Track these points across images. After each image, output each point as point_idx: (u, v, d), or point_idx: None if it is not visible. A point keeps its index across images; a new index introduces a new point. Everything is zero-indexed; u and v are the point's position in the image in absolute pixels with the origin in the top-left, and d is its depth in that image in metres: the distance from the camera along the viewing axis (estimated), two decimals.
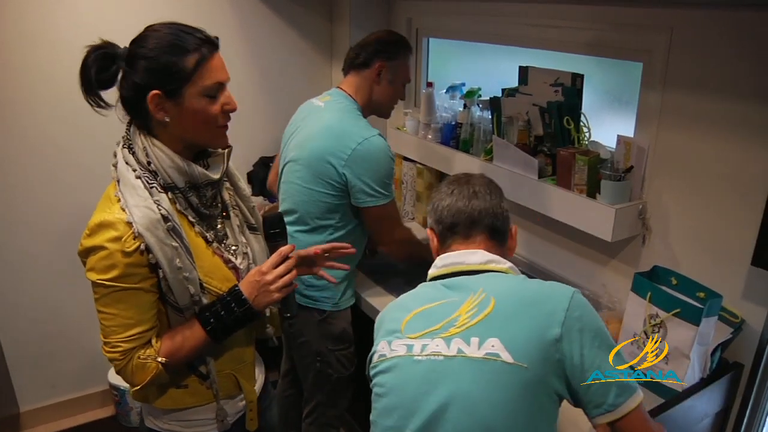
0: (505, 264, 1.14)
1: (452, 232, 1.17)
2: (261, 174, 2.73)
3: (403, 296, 1.18)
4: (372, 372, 1.12)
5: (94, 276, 1.10)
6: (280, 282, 1.22)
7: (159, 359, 1.15)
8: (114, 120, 1.15)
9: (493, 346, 0.98)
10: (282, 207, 1.89)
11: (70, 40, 2.22)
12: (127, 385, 1.31)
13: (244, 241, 1.32)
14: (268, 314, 1.40)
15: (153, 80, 1.08)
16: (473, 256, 1.13)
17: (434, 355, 1.01)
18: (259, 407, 1.39)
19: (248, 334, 1.35)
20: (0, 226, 2.32)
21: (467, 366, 0.98)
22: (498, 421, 0.95)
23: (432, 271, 1.17)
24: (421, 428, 1.00)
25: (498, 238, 1.17)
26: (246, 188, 1.37)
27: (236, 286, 1.21)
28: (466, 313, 1.03)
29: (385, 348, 1.09)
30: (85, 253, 1.11)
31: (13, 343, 2.45)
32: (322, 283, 1.77)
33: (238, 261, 1.27)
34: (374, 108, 1.90)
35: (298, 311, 1.84)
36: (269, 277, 1.21)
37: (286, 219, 1.87)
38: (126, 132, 1.17)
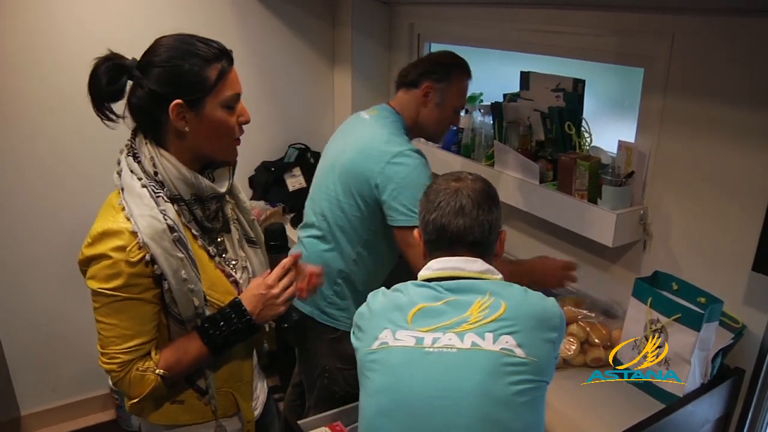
0: (499, 275, 1.17)
1: (436, 245, 1.19)
2: (263, 179, 2.74)
3: (394, 292, 1.16)
4: (369, 355, 1.09)
5: (95, 285, 1.07)
6: (285, 295, 1.21)
7: (158, 371, 1.12)
8: (118, 128, 1.14)
9: (507, 342, 1.03)
10: (308, 218, 1.82)
11: (72, 48, 2.24)
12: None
13: (243, 255, 1.30)
14: (267, 329, 1.39)
15: (174, 89, 1.07)
16: (473, 264, 1.14)
17: (447, 347, 1.04)
18: (261, 425, 1.37)
19: (247, 349, 1.32)
20: (2, 231, 2.32)
21: (482, 356, 1.02)
22: (508, 407, 1.00)
23: (426, 273, 1.16)
24: (431, 417, 1.01)
25: (479, 250, 1.17)
26: (246, 201, 1.34)
27: (237, 298, 1.19)
28: (478, 312, 1.07)
29: (388, 336, 1.08)
30: (87, 262, 1.08)
31: (14, 347, 2.45)
32: (345, 303, 1.72)
33: (238, 275, 1.25)
34: (421, 130, 1.80)
35: (314, 325, 1.77)
36: (275, 290, 1.20)
37: (310, 232, 1.79)
38: (130, 140, 1.15)
